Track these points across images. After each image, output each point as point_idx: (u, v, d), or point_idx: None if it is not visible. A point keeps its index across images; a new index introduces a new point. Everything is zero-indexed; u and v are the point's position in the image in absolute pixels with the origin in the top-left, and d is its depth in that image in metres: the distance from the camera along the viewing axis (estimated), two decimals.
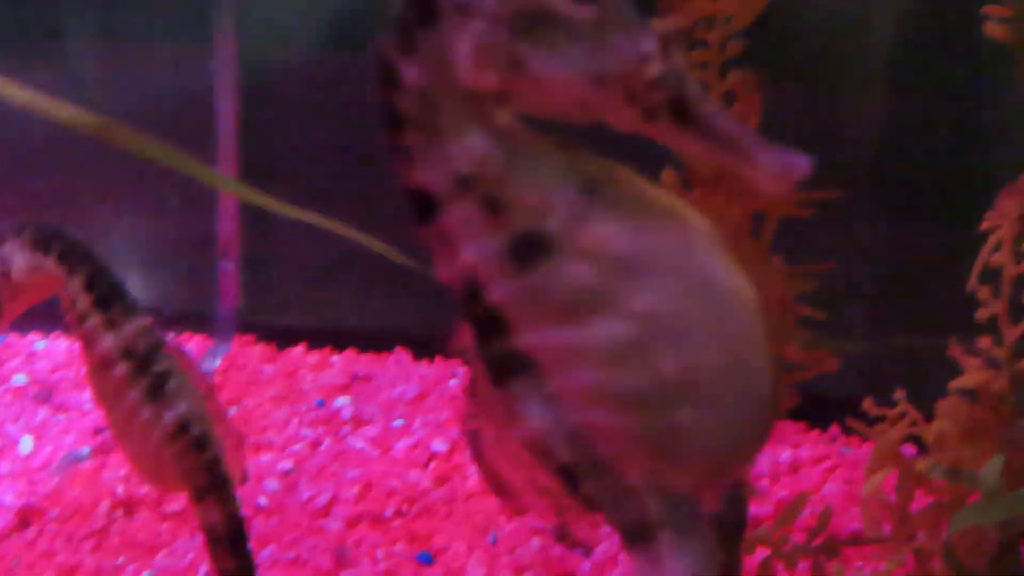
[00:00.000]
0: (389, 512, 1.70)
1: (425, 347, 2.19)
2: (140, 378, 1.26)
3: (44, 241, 1.25)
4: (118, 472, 1.79)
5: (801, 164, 0.66)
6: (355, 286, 2.11)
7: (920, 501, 1.28)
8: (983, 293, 1.26)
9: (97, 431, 1.89)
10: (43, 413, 1.93)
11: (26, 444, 1.87)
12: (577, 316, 0.73)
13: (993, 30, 1.22)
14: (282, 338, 2.15)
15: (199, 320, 2.19)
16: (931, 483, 1.28)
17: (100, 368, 1.25)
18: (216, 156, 2.06)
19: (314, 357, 2.10)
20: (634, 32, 0.70)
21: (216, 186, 1.89)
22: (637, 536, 0.78)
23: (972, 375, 1.29)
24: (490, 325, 0.75)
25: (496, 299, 0.73)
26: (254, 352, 2.12)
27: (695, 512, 0.80)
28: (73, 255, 1.26)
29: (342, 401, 1.95)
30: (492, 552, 1.59)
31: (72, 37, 2.22)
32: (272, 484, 1.74)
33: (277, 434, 1.86)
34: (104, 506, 1.73)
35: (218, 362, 2.01)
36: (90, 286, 1.26)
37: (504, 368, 0.75)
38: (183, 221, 2.06)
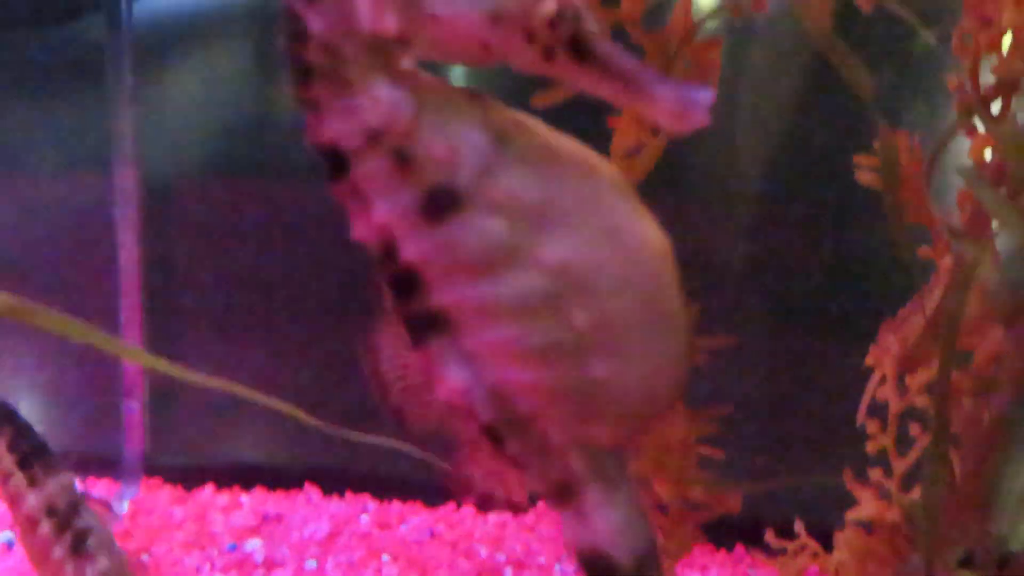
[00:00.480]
0: None
1: (335, 482, 2.17)
2: (62, 535, 1.27)
3: None
4: None
5: (702, 98, 0.66)
6: (261, 422, 2.11)
7: None
8: (871, 427, 1.32)
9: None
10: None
11: None
12: (490, 270, 0.73)
13: (864, 177, 1.29)
14: (190, 479, 2.11)
15: (105, 463, 2.14)
16: None
17: (26, 526, 1.27)
18: (119, 289, 2.02)
19: (223, 498, 2.06)
20: None
21: (120, 354, 1.88)
22: (563, 494, 0.79)
23: (866, 506, 1.33)
24: (405, 284, 0.74)
25: (410, 257, 0.72)
26: (162, 495, 2.08)
27: (621, 466, 0.81)
28: None
29: (253, 544, 1.93)
30: None
31: None
32: None
33: None
34: None
35: (126, 506, 1.99)
36: (12, 447, 1.28)
37: (421, 327, 0.74)
38: (86, 360, 2.04)
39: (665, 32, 1.18)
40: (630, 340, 0.74)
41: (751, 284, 1.97)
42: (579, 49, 0.68)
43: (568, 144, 0.74)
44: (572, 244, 0.73)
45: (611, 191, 0.74)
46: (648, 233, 0.74)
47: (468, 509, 2.03)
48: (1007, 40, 1.20)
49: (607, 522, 0.80)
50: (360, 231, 0.72)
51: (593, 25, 0.69)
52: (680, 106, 0.65)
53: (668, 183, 1.58)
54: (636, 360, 0.75)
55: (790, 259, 1.94)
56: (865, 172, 1.35)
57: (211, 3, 2.14)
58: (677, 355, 0.77)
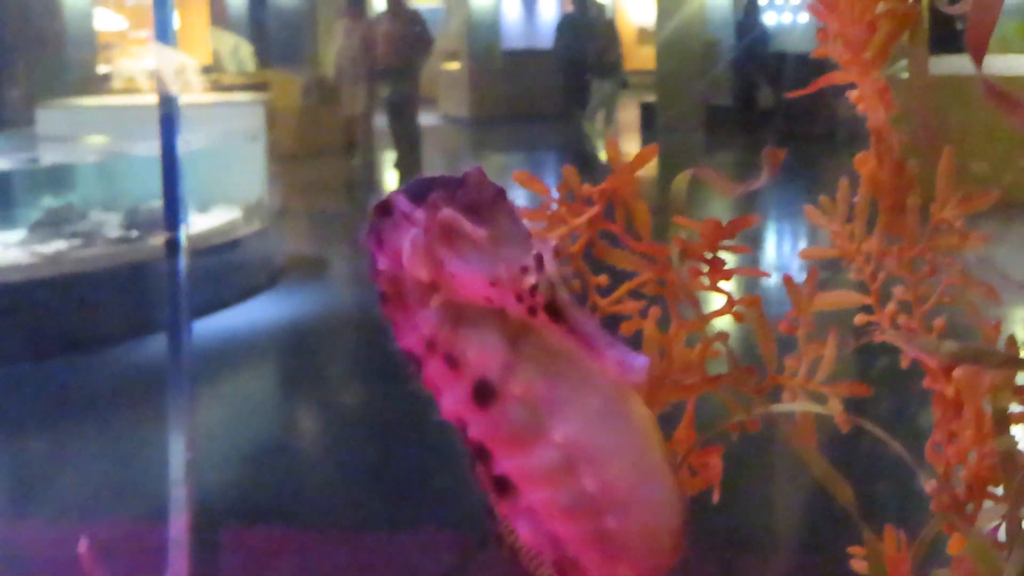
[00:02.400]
0: None
1: None
2: None
3: None
4: None
5: (639, 364, 0.89)
6: None
7: None
8: None
9: None
10: None
11: None
12: (523, 446, 0.95)
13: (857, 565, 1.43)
14: None
15: None
16: None
17: None
18: None
19: None
20: (519, 248, 0.93)
21: None
22: None
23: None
24: (479, 454, 0.97)
25: (474, 435, 0.95)
26: None
27: None
28: None
29: None
30: None
31: None
32: None
33: None
34: None
35: None
36: None
37: (497, 489, 0.98)
38: None
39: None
40: (630, 500, 0.97)
41: None
42: (553, 311, 0.92)
43: (564, 344, 0.96)
44: (575, 424, 0.96)
45: (598, 379, 0.97)
46: (632, 409, 0.97)
47: None
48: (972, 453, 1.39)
49: None
50: (444, 415, 0.99)
51: (565, 294, 0.93)
52: (622, 367, 0.89)
53: None
54: (636, 510, 0.97)
55: None
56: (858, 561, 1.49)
57: None
58: (669, 511, 0.99)
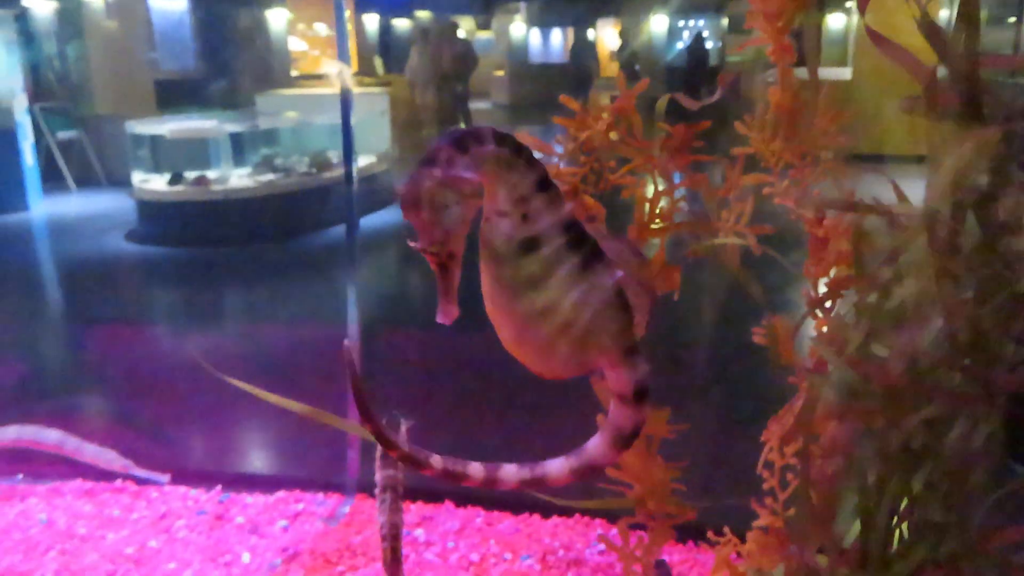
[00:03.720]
0: None
1: (462, 498, 2.15)
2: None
3: None
4: (298, 573, 1.84)
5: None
6: None
7: None
8: (766, 475, 1.40)
9: (283, 549, 1.96)
10: (253, 539, 2.04)
11: (246, 557, 1.97)
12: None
13: (759, 339, 1.43)
14: None
15: (336, 485, 2.22)
16: None
17: None
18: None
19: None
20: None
21: (343, 427, 2.00)
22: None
23: (764, 518, 1.41)
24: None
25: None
26: (368, 503, 2.16)
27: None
28: None
29: (419, 532, 2.00)
30: None
31: None
32: None
33: None
34: None
35: (348, 509, 2.16)
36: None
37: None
38: (328, 428, 1.89)
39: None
40: (522, 339, 0.88)
41: None
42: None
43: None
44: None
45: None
46: (527, 309, 0.86)
47: (536, 516, 2.03)
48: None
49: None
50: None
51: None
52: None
53: None
54: (530, 346, 0.88)
55: None
56: (760, 336, 1.47)
57: None
58: (538, 353, 0.88)
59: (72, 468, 2.26)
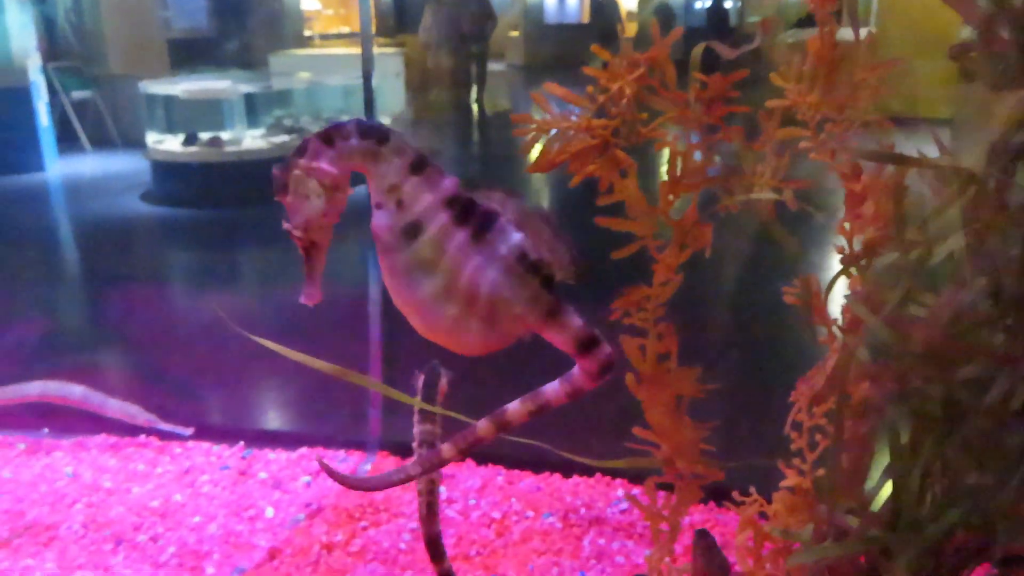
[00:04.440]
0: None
1: (483, 457, 2.17)
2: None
3: None
4: (322, 528, 1.88)
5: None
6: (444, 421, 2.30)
7: (766, 547, 1.38)
8: (794, 436, 1.37)
9: (307, 504, 1.99)
10: (277, 494, 2.07)
11: (270, 512, 2.00)
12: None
13: (789, 299, 1.41)
14: (404, 452, 2.15)
15: (358, 442, 2.25)
16: (772, 537, 1.36)
17: None
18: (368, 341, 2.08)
19: None
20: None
21: (366, 384, 1.94)
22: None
23: (791, 479, 1.39)
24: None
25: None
26: (389, 461, 2.20)
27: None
28: None
29: (440, 489, 2.01)
30: None
31: None
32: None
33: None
34: (315, 548, 1.85)
35: (369, 467, 2.19)
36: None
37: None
38: (351, 387, 2.08)
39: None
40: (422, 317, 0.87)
41: None
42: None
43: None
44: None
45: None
46: (425, 293, 0.85)
47: (557, 475, 2.03)
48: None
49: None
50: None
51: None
52: None
53: None
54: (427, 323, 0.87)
55: None
56: (790, 295, 1.44)
57: None
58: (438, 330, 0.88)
59: (96, 423, 2.28)
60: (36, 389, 2.15)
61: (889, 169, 1.30)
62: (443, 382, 1.44)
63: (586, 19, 12.62)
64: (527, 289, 0.82)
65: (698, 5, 12.54)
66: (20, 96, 6.94)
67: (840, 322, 1.37)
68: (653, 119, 1.44)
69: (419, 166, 0.84)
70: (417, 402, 1.45)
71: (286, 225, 0.86)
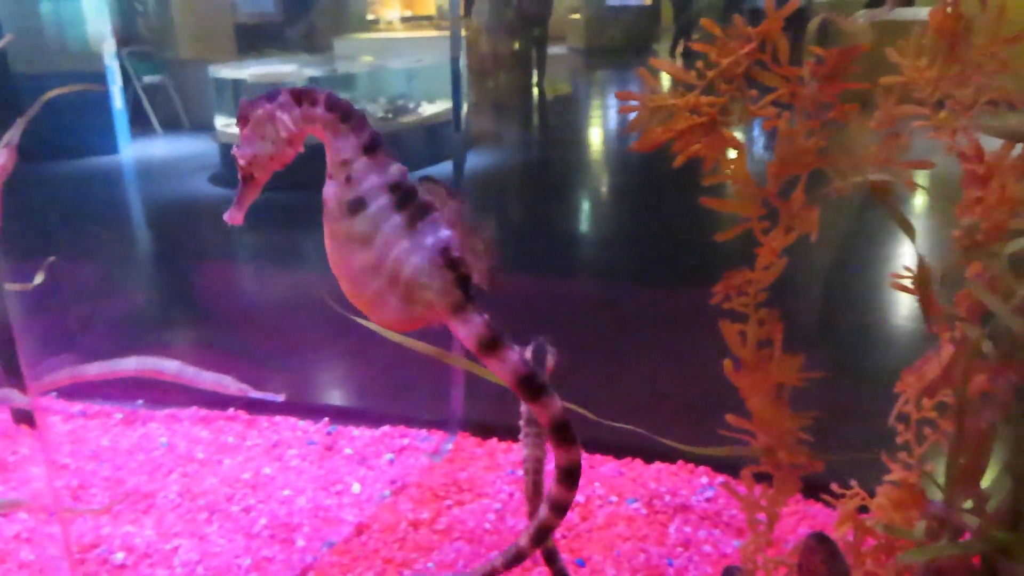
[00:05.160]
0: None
1: None
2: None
3: None
4: (408, 505, 1.89)
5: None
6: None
7: (866, 544, 1.33)
8: (901, 429, 1.32)
9: (392, 481, 2.01)
10: (362, 471, 2.09)
11: (356, 487, 2.03)
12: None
13: (897, 286, 1.37)
14: (486, 432, 2.19)
15: (440, 422, 2.27)
16: (874, 533, 1.31)
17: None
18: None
19: (503, 445, 2.19)
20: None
21: (451, 362, 1.98)
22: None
23: (896, 473, 1.35)
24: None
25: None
26: (469, 441, 2.22)
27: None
28: None
29: None
30: None
31: None
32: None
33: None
34: (402, 525, 1.87)
35: (451, 446, 2.23)
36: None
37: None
38: (436, 363, 2.05)
39: None
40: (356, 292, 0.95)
41: None
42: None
43: None
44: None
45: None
46: (363, 263, 0.93)
47: (638, 461, 2.09)
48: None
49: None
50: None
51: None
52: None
53: None
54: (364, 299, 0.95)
55: None
56: (901, 283, 1.38)
57: None
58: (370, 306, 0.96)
59: (188, 396, 2.34)
60: (132, 364, 2.22)
61: (1018, 148, 1.24)
62: (550, 359, 1.43)
63: (649, 1, 12.27)
64: (442, 280, 0.89)
65: None
66: (96, 80, 7.18)
67: (954, 311, 1.31)
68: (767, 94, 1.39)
69: (372, 148, 0.90)
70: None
71: (235, 150, 0.93)
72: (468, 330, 0.92)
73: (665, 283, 3.48)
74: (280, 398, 2.22)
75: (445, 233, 0.91)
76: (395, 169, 0.91)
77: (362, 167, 0.90)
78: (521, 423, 1.49)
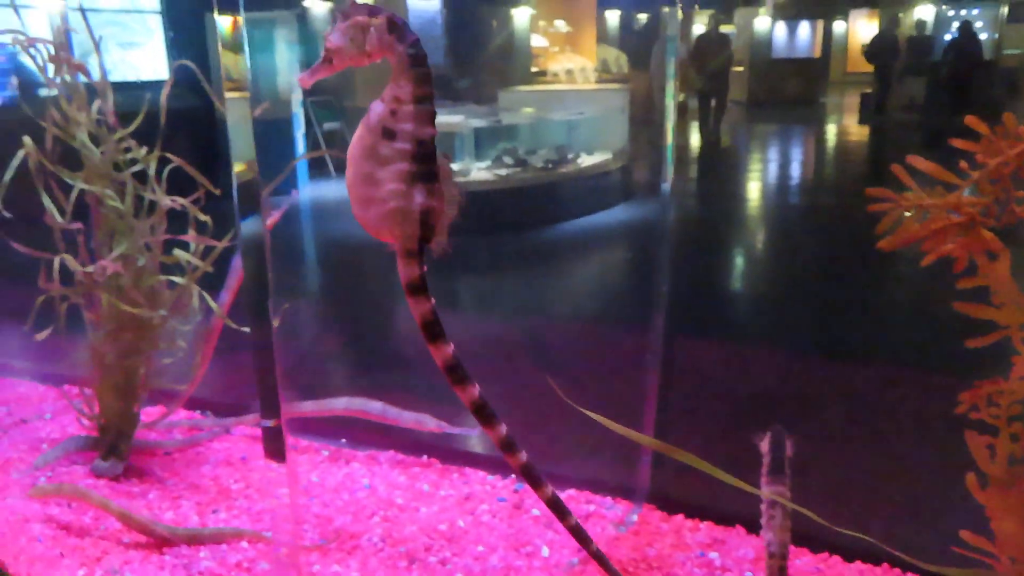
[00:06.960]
0: None
1: None
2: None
3: None
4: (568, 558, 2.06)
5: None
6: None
7: None
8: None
9: (579, 549, 1.96)
10: (550, 534, 2.09)
11: (545, 551, 2.02)
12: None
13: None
14: (671, 507, 2.13)
15: (626, 490, 2.23)
16: None
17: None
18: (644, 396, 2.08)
19: (690, 523, 2.12)
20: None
21: (639, 440, 1.92)
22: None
23: None
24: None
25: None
26: (656, 514, 2.16)
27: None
28: None
29: (713, 555, 1.95)
30: None
31: None
32: None
33: None
34: None
35: (636, 517, 2.17)
36: None
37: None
38: (626, 441, 2.00)
39: None
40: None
41: None
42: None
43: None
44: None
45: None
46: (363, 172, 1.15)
47: (836, 558, 1.93)
48: None
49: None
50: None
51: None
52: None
53: None
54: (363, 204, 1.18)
55: None
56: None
57: None
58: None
59: (386, 439, 2.47)
60: (341, 404, 2.35)
61: None
62: (789, 447, 1.39)
63: (817, 54, 12.25)
64: (409, 228, 1.14)
65: (947, 38, 11.51)
66: (284, 127, 7.91)
67: None
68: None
69: (422, 100, 1.09)
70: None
71: (327, 32, 1.09)
72: (407, 272, 1.18)
73: (883, 361, 3.31)
74: (475, 432, 2.28)
75: (431, 202, 1.14)
76: (429, 130, 1.11)
77: (408, 112, 1.09)
78: (762, 506, 1.44)
